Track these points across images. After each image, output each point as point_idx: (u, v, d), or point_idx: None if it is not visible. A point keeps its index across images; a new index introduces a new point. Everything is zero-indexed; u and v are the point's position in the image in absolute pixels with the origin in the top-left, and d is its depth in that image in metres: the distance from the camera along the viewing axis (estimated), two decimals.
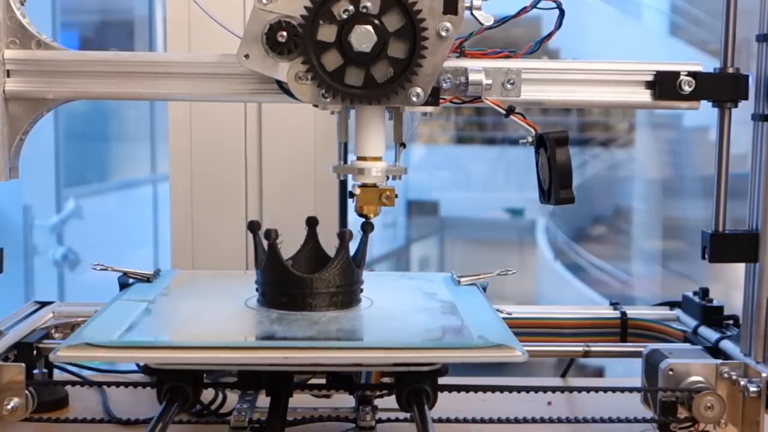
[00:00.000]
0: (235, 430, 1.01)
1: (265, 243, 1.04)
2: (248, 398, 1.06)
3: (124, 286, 1.17)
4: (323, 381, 1.06)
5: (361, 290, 1.08)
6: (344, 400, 1.11)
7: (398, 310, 1.08)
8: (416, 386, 0.97)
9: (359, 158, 1.05)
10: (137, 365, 1.26)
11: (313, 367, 1.01)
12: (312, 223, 1.11)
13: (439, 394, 1.03)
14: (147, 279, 1.18)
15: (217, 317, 1.04)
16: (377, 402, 1.07)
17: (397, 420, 1.06)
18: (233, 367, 1.01)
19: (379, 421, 1.05)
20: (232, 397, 1.14)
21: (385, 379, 1.06)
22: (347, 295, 1.06)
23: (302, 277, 1.03)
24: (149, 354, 0.94)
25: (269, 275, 1.05)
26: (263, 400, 1.04)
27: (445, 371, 0.99)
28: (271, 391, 1.02)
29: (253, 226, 1.07)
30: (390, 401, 1.03)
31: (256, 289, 1.07)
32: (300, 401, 1.07)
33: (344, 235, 1.04)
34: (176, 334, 1.01)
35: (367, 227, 1.06)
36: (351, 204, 1.07)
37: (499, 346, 0.93)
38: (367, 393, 1.06)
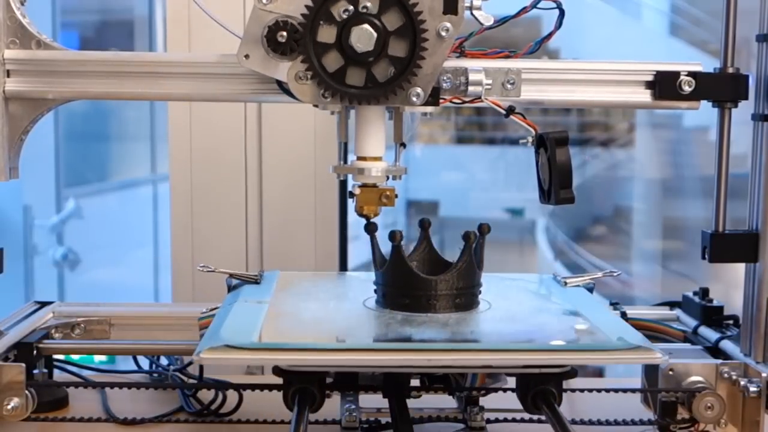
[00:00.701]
0: (347, 431, 1.01)
1: (382, 245, 1.04)
2: (350, 398, 1.05)
3: (230, 288, 1.17)
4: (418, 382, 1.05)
5: (480, 292, 1.07)
6: (438, 401, 1.09)
7: (518, 311, 1.08)
8: (544, 388, 0.96)
9: (359, 158, 1.05)
10: (156, 365, 1.26)
11: (454, 369, 1.01)
12: (425, 225, 1.11)
13: (437, 394, 1.04)
14: (255, 281, 1.17)
15: (342, 318, 1.05)
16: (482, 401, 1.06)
17: (505, 420, 1.06)
18: (378, 369, 1.00)
19: (488, 421, 1.05)
20: (233, 397, 1.14)
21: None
22: (469, 297, 1.05)
23: (427, 279, 1.03)
24: (291, 356, 0.93)
25: (392, 276, 1.04)
26: (363, 400, 1.04)
27: (574, 374, 0.98)
28: (388, 392, 1.02)
29: (371, 228, 1.06)
30: (494, 400, 1.04)
31: (375, 291, 1.07)
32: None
33: (469, 237, 1.03)
34: (309, 335, 1.00)
35: (484, 228, 1.06)
36: (351, 204, 1.07)
37: (640, 349, 0.93)
38: (473, 393, 1.05)
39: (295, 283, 1.20)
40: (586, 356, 0.95)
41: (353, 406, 1.02)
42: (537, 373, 0.96)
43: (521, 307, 1.10)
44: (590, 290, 1.18)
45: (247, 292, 1.12)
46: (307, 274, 1.33)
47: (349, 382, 1.03)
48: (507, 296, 1.13)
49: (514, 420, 1.05)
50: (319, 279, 1.26)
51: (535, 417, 0.99)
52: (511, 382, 1.01)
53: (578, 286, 1.19)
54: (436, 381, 1.05)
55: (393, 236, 1.02)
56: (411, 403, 1.05)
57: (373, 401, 1.05)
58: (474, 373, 1.02)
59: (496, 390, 1.04)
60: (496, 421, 1.06)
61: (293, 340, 0.97)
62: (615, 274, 1.21)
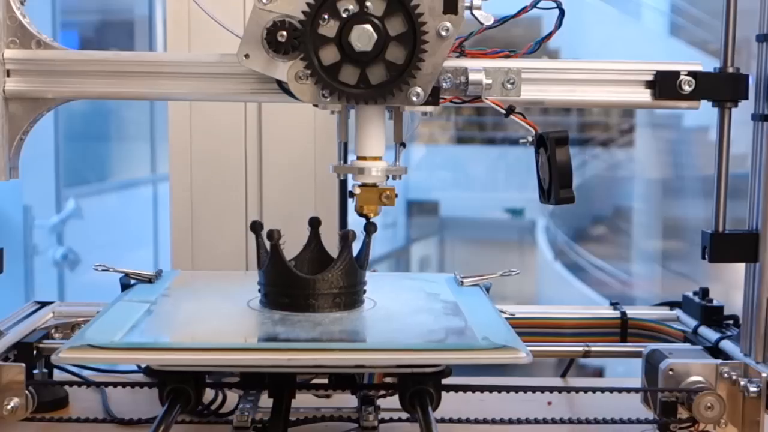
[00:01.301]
0: (238, 430, 1.01)
1: (267, 244, 1.03)
2: (251, 398, 1.06)
3: (125, 286, 1.17)
4: (325, 381, 1.05)
5: (364, 291, 1.08)
6: (346, 400, 1.11)
7: (401, 311, 1.08)
8: (419, 387, 0.97)
9: (359, 158, 1.05)
10: (138, 366, 1.26)
11: (316, 368, 1.01)
12: (315, 223, 1.11)
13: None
14: (149, 280, 1.17)
15: (219, 318, 1.04)
16: (380, 402, 1.07)
17: (399, 420, 1.06)
18: (236, 369, 1.01)
19: (382, 421, 1.05)
20: (233, 397, 1.14)
21: (388, 379, 1.06)
22: (350, 296, 1.05)
23: (305, 278, 1.03)
24: (151, 355, 0.94)
25: (272, 276, 1.04)
26: (266, 400, 1.04)
27: (448, 372, 0.99)
28: (273, 391, 1.02)
29: (256, 227, 1.06)
30: (392, 401, 1.03)
31: (259, 290, 1.07)
32: (302, 401, 1.07)
33: (347, 236, 1.04)
34: (178, 335, 1.00)
35: (370, 228, 1.06)
36: (351, 204, 1.07)
37: (504, 348, 0.93)
38: (369, 393, 1.06)
39: (189, 282, 1.20)
40: (449, 355, 0.95)
41: (248, 406, 1.02)
42: (413, 373, 0.97)
43: (404, 307, 1.09)
44: (487, 290, 1.19)
45: (135, 292, 1.13)
46: (208, 273, 1.33)
47: (255, 381, 1.03)
48: (396, 296, 1.13)
49: (408, 420, 1.05)
50: (218, 279, 1.25)
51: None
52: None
53: (476, 285, 1.19)
54: (342, 380, 1.05)
55: (271, 235, 1.02)
56: (313, 402, 1.07)
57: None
58: (337, 373, 1.02)
59: (376, 388, 1.05)
60: (390, 420, 1.06)
61: (159, 339, 0.98)
62: (513, 273, 1.21)
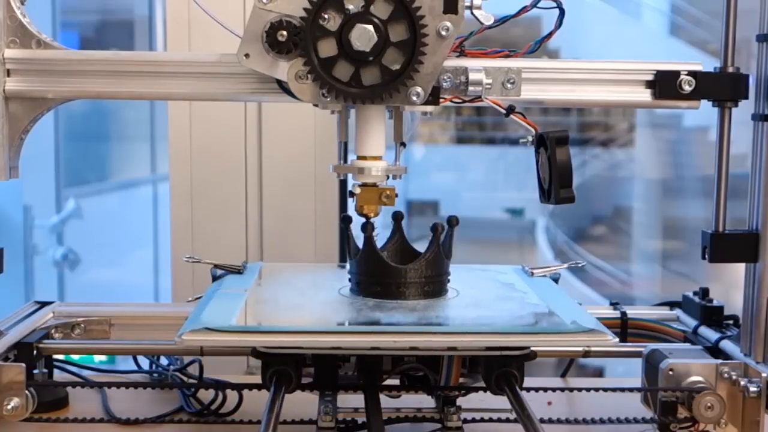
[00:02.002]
0: (322, 431, 1.03)
1: (359, 236, 1.08)
2: (328, 398, 1.06)
3: (214, 278, 1.20)
4: (396, 381, 1.08)
5: (449, 281, 1.11)
6: (416, 400, 1.11)
7: (484, 298, 1.12)
8: (505, 370, 1.01)
9: (359, 157, 1.06)
10: (150, 363, 1.28)
11: (417, 351, 1.04)
12: (398, 217, 1.14)
13: (438, 393, 1.05)
14: (238, 271, 1.21)
15: (318, 304, 1.09)
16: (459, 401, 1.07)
17: (482, 420, 1.06)
18: (346, 351, 1.03)
19: (465, 421, 1.05)
20: (233, 397, 1.14)
21: (462, 380, 1.07)
22: (437, 285, 1.09)
23: (397, 268, 1.07)
24: (268, 338, 0.97)
25: (365, 266, 1.09)
26: (342, 400, 1.05)
27: (533, 356, 1.03)
28: (362, 382, 1.05)
29: (346, 220, 1.12)
30: (471, 401, 1.06)
31: (349, 279, 1.11)
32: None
33: (437, 228, 1.08)
34: (285, 320, 1.04)
35: (452, 221, 1.10)
36: (351, 203, 1.07)
37: (592, 331, 0.97)
38: (451, 393, 1.07)
39: (276, 273, 1.25)
40: (541, 338, 0.99)
41: (330, 406, 1.03)
42: (498, 356, 1.00)
43: (486, 295, 1.14)
44: (556, 280, 1.22)
45: (230, 282, 1.16)
46: (289, 265, 1.37)
47: (328, 379, 1.05)
48: (475, 285, 1.18)
49: (491, 420, 1.06)
50: (299, 270, 1.30)
51: (512, 417, 1.01)
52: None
53: (544, 276, 1.22)
54: (414, 381, 1.07)
55: (365, 228, 1.07)
56: (389, 403, 1.07)
57: (351, 401, 1.06)
58: (441, 355, 1.04)
59: (470, 389, 1.06)
60: (473, 421, 1.06)
61: (270, 324, 1.02)
62: (580, 264, 1.26)
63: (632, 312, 1.30)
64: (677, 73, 1.05)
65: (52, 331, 1.22)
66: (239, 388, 1.11)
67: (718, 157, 1.07)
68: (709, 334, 1.18)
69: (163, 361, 1.28)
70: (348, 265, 1.12)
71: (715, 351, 1.12)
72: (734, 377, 1.04)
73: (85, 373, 1.26)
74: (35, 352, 1.14)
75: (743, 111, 1.07)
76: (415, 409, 1.08)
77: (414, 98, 0.99)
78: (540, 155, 1.04)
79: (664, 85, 1.05)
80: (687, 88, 1.05)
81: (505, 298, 1.13)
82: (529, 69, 1.04)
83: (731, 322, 1.22)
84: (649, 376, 1.09)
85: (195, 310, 1.04)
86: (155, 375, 1.27)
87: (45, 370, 1.16)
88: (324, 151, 1.54)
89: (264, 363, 1.01)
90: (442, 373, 1.05)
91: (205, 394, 1.18)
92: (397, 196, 1.06)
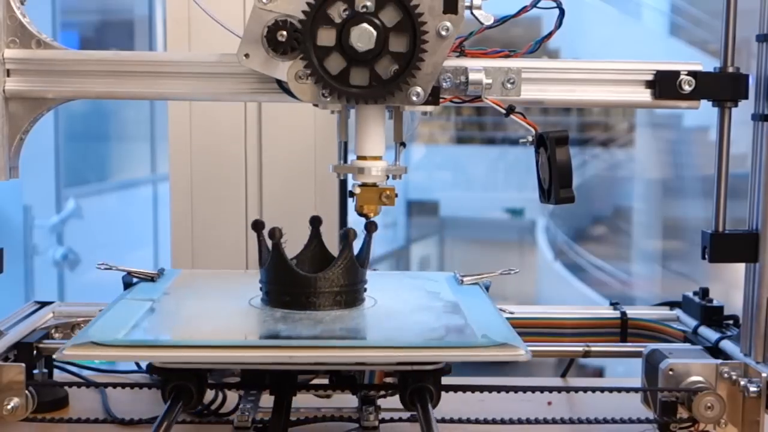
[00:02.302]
0: (238, 430, 1.01)
1: (269, 242, 1.03)
2: (251, 398, 1.06)
3: (128, 285, 1.17)
4: (326, 381, 1.05)
5: (365, 290, 1.08)
6: (346, 400, 1.10)
7: (401, 309, 1.08)
8: (420, 385, 0.97)
9: (359, 157, 1.05)
10: (136, 364, 1.26)
11: (316, 366, 1.01)
12: (316, 222, 1.11)
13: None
14: (151, 278, 1.17)
15: (220, 316, 1.04)
16: (380, 402, 1.06)
17: (400, 420, 1.06)
18: (238, 366, 1.01)
19: (383, 421, 1.05)
20: (233, 397, 1.14)
21: (389, 380, 1.06)
22: (351, 295, 1.05)
23: (306, 277, 1.03)
24: (154, 353, 0.94)
25: (273, 274, 1.04)
26: (266, 400, 1.04)
27: (448, 370, 0.99)
28: (274, 390, 1.02)
29: (257, 225, 1.06)
30: (393, 401, 1.03)
31: (260, 288, 1.07)
32: (302, 401, 1.07)
33: (348, 234, 1.04)
34: (180, 333, 1.00)
35: (370, 227, 1.06)
36: (351, 203, 1.07)
37: (503, 345, 0.93)
38: (370, 393, 1.06)
39: (191, 281, 1.20)
40: (448, 353, 0.95)
41: (249, 406, 1.02)
42: (413, 371, 0.97)
43: (405, 305, 1.10)
44: (487, 288, 1.19)
45: (137, 290, 1.13)
46: (209, 272, 1.31)
47: (255, 381, 1.03)
48: (397, 294, 1.13)
49: (409, 420, 1.05)
50: (220, 277, 1.24)
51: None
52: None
53: (476, 284, 1.19)
54: (343, 380, 1.05)
55: (273, 234, 1.02)
56: (314, 402, 1.06)
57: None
58: (338, 371, 1.02)
59: (376, 388, 1.04)
60: (391, 420, 1.05)
61: (162, 337, 0.98)
62: (512, 272, 1.20)
63: (632, 312, 1.29)
64: (677, 73, 1.05)
65: (52, 331, 1.22)
66: (239, 388, 1.11)
67: (718, 157, 1.07)
68: (709, 334, 1.18)
69: None
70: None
71: (715, 351, 1.12)
72: (734, 377, 1.04)
73: (85, 373, 1.26)
74: (35, 352, 1.13)
75: (743, 111, 1.06)
76: (336, 409, 1.07)
77: (414, 98, 0.99)
78: (540, 155, 1.04)
79: (664, 85, 1.05)
80: (687, 88, 1.05)
81: (424, 309, 1.08)
82: (529, 69, 1.04)
83: (731, 322, 1.21)
84: (649, 376, 1.09)
85: (90, 322, 1.00)
86: (155, 375, 1.27)
87: (45, 370, 1.16)
88: (324, 152, 1.54)
89: (162, 379, 0.96)
90: (364, 374, 1.04)
91: (206, 394, 1.18)
92: (397, 196, 1.05)
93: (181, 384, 0.96)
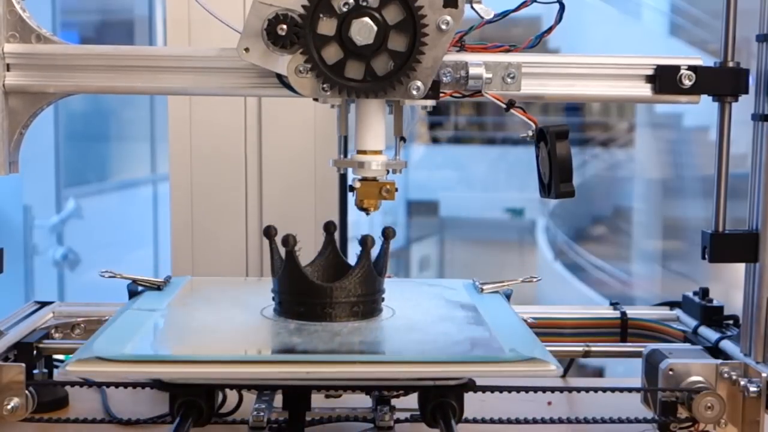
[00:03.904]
0: (254, 431, 0.98)
1: (282, 250, 1.00)
2: (265, 398, 1.02)
3: (133, 293, 1.14)
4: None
5: (383, 299, 1.05)
6: (358, 400, 1.08)
7: (422, 320, 1.04)
8: (442, 401, 0.93)
9: (359, 152, 1.05)
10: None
11: (335, 381, 0.96)
12: (330, 228, 1.08)
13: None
14: (157, 287, 1.14)
15: (232, 328, 1.00)
16: (394, 402, 1.04)
17: (415, 420, 1.04)
18: (250, 381, 0.96)
19: (398, 421, 1.03)
20: (233, 397, 1.14)
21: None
22: (369, 305, 1.02)
23: (322, 286, 0.99)
24: (161, 368, 0.89)
25: (287, 284, 1.01)
26: (281, 400, 1.02)
27: (472, 386, 0.95)
28: (288, 402, 0.98)
29: (270, 232, 1.03)
30: (406, 401, 1.01)
31: (273, 298, 1.04)
32: (314, 400, 1.04)
33: (366, 241, 1.00)
34: (189, 346, 0.96)
35: (388, 233, 1.03)
36: (351, 204, 1.06)
37: (533, 360, 0.90)
38: (384, 393, 1.02)
39: (200, 290, 1.16)
40: (475, 368, 0.91)
41: (263, 406, 0.98)
42: (435, 386, 0.92)
43: (425, 316, 1.05)
44: (508, 297, 1.16)
45: (144, 300, 1.09)
46: (218, 279, 1.28)
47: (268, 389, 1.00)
48: (416, 303, 1.09)
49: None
50: (230, 285, 1.21)
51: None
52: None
53: (496, 292, 1.16)
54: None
55: (286, 241, 0.98)
56: (323, 401, 1.03)
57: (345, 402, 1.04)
58: (357, 387, 0.97)
59: (409, 390, 1.00)
60: (407, 420, 1.03)
61: (171, 351, 0.93)
62: (535, 280, 1.19)
63: (632, 312, 1.29)
64: (677, 68, 1.05)
65: (52, 331, 1.22)
66: (239, 387, 1.11)
67: (718, 153, 1.06)
68: (709, 334, 1.18)
69: None
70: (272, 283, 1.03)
71: (715, 351, 1.12)
72: (734, 377, 1.04)
73: None
74: (35, 352, 1.13)
75: (743, 111, 1.06)
76: (350, 409, 1.05)
77: (414, 92, 0.99)
78: (540, 150, 1.03)
79: (664, 79, 1.05)
80: (687, 83, 1.05)
81: (445, 319, 1.04)
82: (529, 64, 1.04)
83: (731, 322, 1.21)
84: (649, 376, 1.08)
85: (94, 334, 0.97)
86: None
87: (45, 370, 1.15)
88: (324, 151, 1.54)
89: (171, 394, 0.92)
90: None
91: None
92: (397, 190, 1.04)
93: (190, 400, 0.92)
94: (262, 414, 0.98)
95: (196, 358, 0.89)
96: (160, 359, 0.90)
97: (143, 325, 0.99)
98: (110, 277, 1.13)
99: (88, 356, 0.88)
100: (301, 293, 0.99)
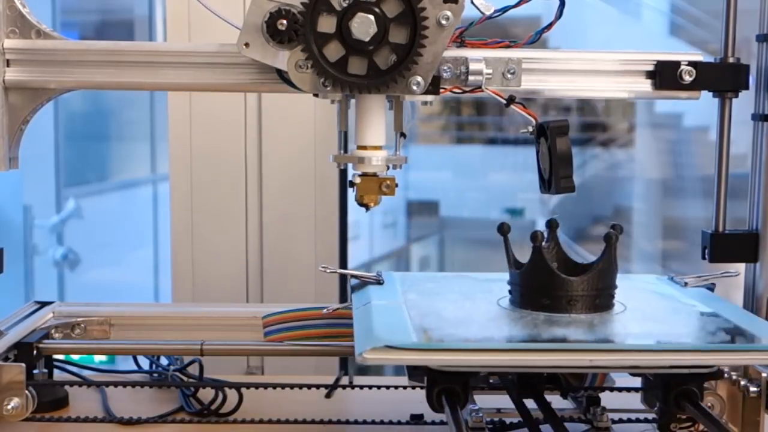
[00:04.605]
0: (473, 431, 0.98)
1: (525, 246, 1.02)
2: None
3: (353, 288, 1.15)
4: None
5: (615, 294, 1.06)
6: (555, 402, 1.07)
7: (655, 312, 1.05)
8: (686, 388, 0.95)
9: (359, 147, 1.05)
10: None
11: (612, 370, 1.01)
12: (553, 225, 1.09)
13: (577, 396, 1.05)
14: (378, 282, 1.15)
15: (486, 319, 1.01)
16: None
17: (629, 420, 1.06)
18: (542, 369, 0.99)
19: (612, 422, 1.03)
20: (233, 397, 1.14)
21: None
22: (606, 298, 1.03)
23: (568, 280, 1.01)
24: (452, 357, 0.90)
25: (532, 278, 1.02)
26: (481, 401, 1.03)
27: (720, 375, 0.99)
28: (521, 393, 1.01)
29: (504, 229, 1.06)
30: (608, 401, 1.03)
31: (510, 291, 1.05)
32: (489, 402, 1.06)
33: (611, 237, 1.02)
34: (460, 336, 0.96)
35: (617, 229, 1.04)
36: (351, 204, 1.06)
37: None
38: (594, 393, 1.04)
39: (415, 283, 1.17)
40: (738, 357, 0.94)
41: (476, 407, 0.99)
42: (677, 374, 0.95)
43: (655, 309, 1.06)
44: (711, 290, 1.16)
45: (376, 293, 1.10)
46: (420, 275, 1.29)
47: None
48: (634, 297, 1.09)
49: (638, 420, 1.06)
50: (438, 280, 1.21)
51: (650, 416, 1.01)
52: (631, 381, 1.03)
53: (699, 286, 1.16)
54: (554, 380, 1.04)
55: (534, 237, 1.01)
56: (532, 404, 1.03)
57: (490, 402, 1.05)
58: (634, 373, 1.01)
59: (620, 390, 1.06)
60: (620, 421, 1.05)
61: (447, 340, 0.94)
62: (734, 274, 1.17)
63: None
64: (677, 64, 1.05)
65: (52, 331, 1.22)
66: (239, 387, 1.10)
67: (719, 152, 1.06)
68: None
69: (163, 361, 1.27)
70: (509, 276, 1.05)
71: None
72: (734, 377, 1.04)
73: (85, 373, 1.26)
74: (35, 352, 1.13)
75: (743, 111, 1.06)
76: (557, 410, 1.04)
77: (414, 87, 0.99)
78: (540, 145, 1.03)
79: (664, 75, 1.05)
80: (687, 79, 1.04)
81: (678, 311, 1.05)
82: (529, 59, 1.04)
83: None
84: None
85: (356, 325, 0.98)
86: (155, 375, 1.27)
87: (45, 370, 1.15)
88: (324, 150, 1.54)
89: (430, 380, 0.95)
90: (586, 376, 1.04)
91: (205, 394, 1.17)
92: (397, 185, 1.05)
93: (449, 387, 0.95)
94: (480, 414, 0.99)
95: (485, 346, 0.91)
96: (448, 348, 0.91)
97: (400, 316, 1.00)
98: (331, 272, 1.14)
99: (380, 345, 0.89)
100: (548, 287, 1.01)
